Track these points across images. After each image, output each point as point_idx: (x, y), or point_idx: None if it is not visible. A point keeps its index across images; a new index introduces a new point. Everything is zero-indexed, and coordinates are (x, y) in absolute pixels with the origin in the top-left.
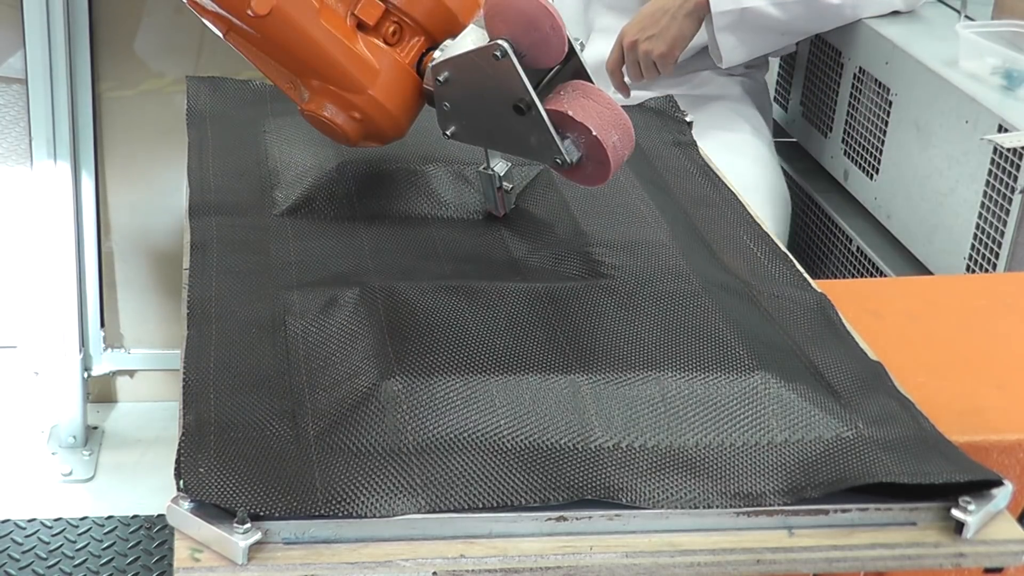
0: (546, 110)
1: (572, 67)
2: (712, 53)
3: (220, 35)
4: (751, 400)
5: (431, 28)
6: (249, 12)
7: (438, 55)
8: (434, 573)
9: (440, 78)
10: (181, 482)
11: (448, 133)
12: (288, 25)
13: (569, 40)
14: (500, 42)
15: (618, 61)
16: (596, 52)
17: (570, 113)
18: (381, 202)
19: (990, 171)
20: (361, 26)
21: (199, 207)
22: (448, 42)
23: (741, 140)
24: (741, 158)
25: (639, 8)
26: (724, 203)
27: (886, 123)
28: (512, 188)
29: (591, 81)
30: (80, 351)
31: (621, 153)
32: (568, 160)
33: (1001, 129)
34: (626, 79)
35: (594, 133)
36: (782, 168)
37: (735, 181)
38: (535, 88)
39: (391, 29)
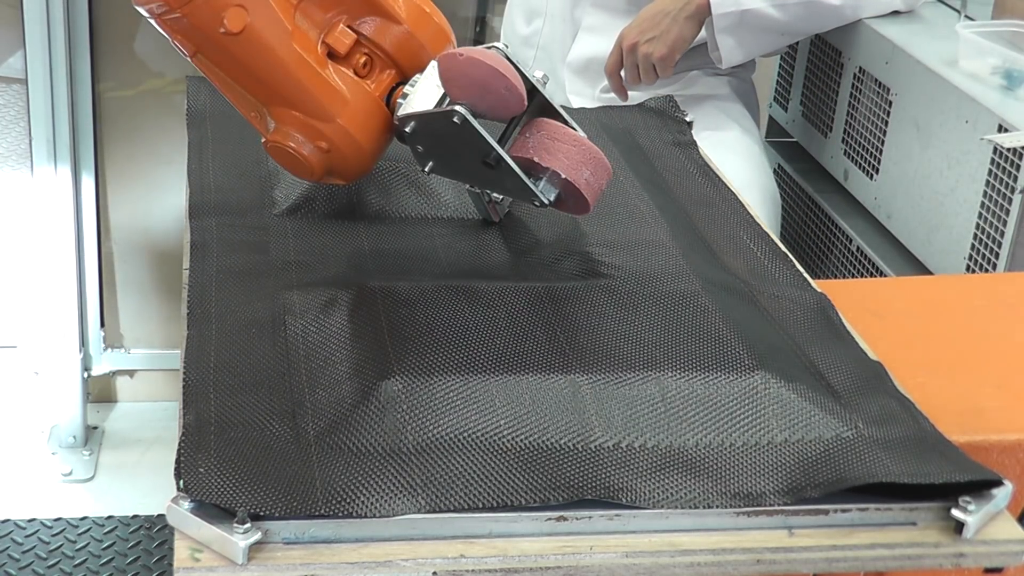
0: (514, 158)
1: (537, 103)
2: (712, 54)
3: (187, 57)
4: (751, 400)
5: (401, 61)
6: (221, 30)
7: (403, 99)
8: (434, 573)
9: (407, 129)
10: (181, 482)
11: (426, 170)
12: (259, 46)
13: (531, 80)
14: (457, 108)
15: (617, 64)
16: (584, 50)
17: (536, 159)
18: (381, 202)
19: (990, 171)
20: (332, 55)
21: (199, 207)
22: (417, 77)
23: (732, 139)
24: (732, 155)
25: (627, 7)
26: (724, 203)
27: (886, 123)
28: (502, 199)
29: (557, 113)
30: (80, 351)
31: (596, 186)
32: (546, 201)
33: (1001, 129)
34: (624, 82)
35: (563, 176)
36: (780, 167)
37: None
38: (503, 134)
39: (362, 60)
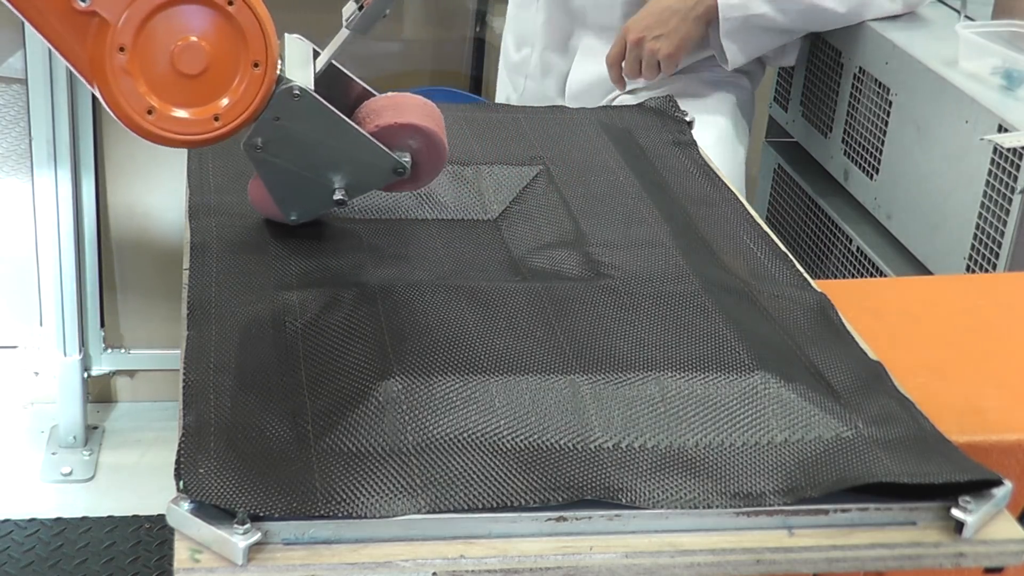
0: (369, 132)
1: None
2: (717, 56)
3: None
4: (751, 400)
5: None
6: None
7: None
8: (434, 573)
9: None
10: (181, 482)
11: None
12: None
13: (335, 68)
14: (294, 81)
15: (619, 55)
16: (583, 75)
17: (399, 121)
18: (381, 203)
19: (990, 171)
20: None
21: (199, 207)
22: None
23: (717, 126)
24: (713, 143)
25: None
26: (724, 203)
27: (886, 123)
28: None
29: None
30: (80, 351)
31: (441, 125)
32: (405, 165)
33: (1001, 129)
34: (623, 73)
35: (419, 124)
36: (780, 167)
37: None
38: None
39: None
